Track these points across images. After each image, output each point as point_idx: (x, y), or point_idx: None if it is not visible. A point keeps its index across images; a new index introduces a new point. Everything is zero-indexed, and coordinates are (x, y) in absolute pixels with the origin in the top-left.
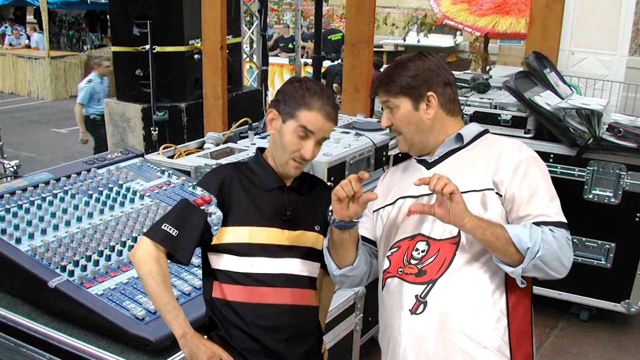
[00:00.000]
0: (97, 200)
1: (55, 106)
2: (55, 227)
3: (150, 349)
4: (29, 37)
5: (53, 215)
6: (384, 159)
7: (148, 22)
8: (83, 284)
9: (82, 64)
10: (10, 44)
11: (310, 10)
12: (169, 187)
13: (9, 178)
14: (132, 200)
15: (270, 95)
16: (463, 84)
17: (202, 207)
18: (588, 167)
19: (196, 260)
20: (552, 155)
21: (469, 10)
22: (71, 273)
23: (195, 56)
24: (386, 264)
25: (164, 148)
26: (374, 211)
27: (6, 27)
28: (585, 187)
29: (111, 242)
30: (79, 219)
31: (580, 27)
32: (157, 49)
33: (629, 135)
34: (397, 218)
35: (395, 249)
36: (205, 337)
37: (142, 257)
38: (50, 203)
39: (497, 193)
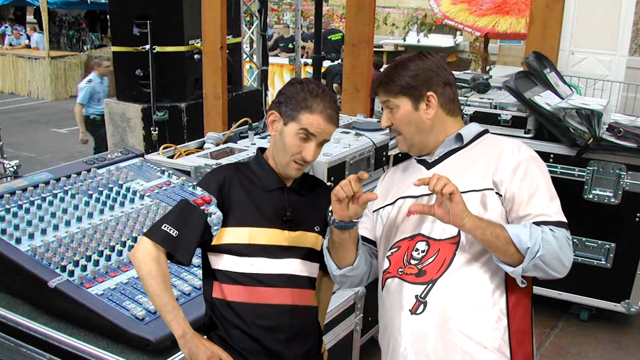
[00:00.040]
0: (97, 200)
1: (55, 106)
2: (55, 227)
3: (150, 349)
4: (29, 37)
5: (53, 215)
6: (384, 159)
7: (148, 22)
8: (83, 284)
9: (82, 64)
10: (10, 44)
11: (310, 10)
12: (169, 187)
13: (9, 178)
14: (132, 200)
15: (270, 96)
16: (463, 84)
17: (202, 208)
18: (588, 167)
19: (196, 260)
20: (552, 155)
21: (469, 10)
22: (71, 273)
23: (195, 56)
24: (386, 264)
25: (164, 148)
26: (373, 211)
27: (6, 27)
28: (585, 187)
29: (111, 242)
30: (79, 219)
31: (580, 27)
32: (157, 49)
33: (629, 135)
34: (397, 218)
35: (395, 249)
36: (205, 337)
37: (142, 258)
38: (50, 203)
39: (497, 193)
